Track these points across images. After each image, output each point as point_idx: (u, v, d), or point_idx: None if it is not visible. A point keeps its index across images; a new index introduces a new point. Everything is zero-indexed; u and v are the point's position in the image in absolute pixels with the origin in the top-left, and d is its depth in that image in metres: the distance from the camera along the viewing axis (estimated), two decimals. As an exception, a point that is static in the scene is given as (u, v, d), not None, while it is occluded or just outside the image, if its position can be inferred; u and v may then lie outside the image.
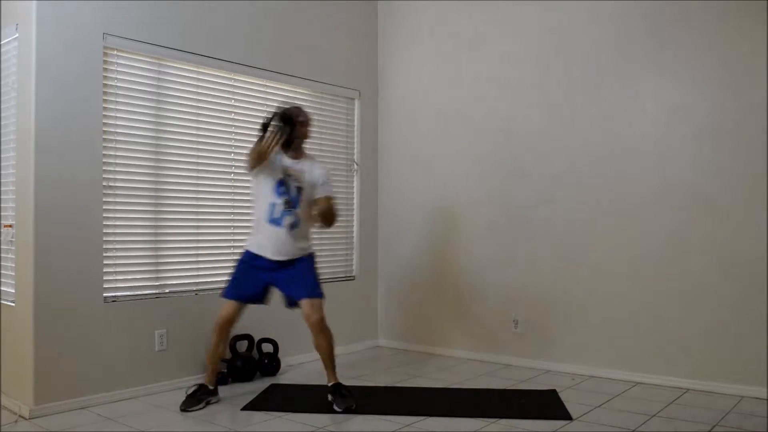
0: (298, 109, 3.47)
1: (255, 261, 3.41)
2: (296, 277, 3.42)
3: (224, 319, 3.41)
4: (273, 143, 3.23)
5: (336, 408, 3.27)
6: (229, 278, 3.49)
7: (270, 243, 3.38)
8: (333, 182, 3.56)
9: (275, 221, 3.38)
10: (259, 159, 3.28)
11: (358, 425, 3.10)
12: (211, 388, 3.44)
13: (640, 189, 3.85)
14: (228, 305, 3.42)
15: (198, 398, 3.35)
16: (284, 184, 3.38)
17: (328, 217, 3.44)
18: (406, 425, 3.05)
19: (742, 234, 3.52)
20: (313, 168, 3.46)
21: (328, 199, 3.45)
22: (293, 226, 3.39)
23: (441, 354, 4.66)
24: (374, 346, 5.02)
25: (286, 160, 3.42)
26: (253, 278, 3.42)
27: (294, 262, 3.43)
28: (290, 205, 3.38)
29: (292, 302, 3.48)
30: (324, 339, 3.37)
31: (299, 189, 3.40)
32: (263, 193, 3.40)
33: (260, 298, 3.50)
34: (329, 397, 3.35)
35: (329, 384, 3.39)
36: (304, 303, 3.37)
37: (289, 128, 3.31)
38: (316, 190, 3.43)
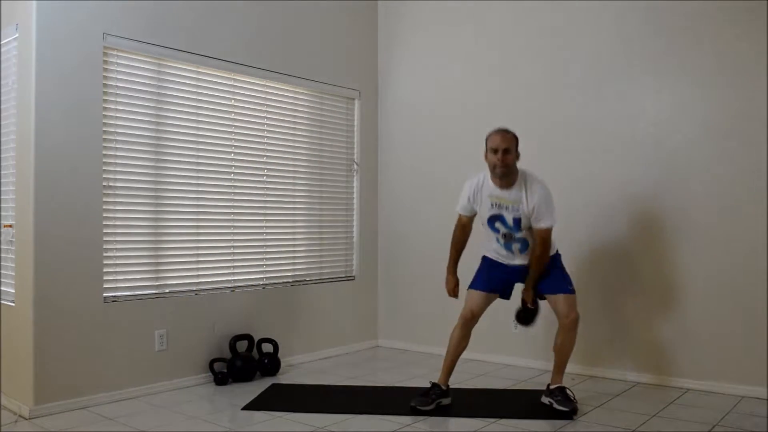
0: (497, 139, 3.20)
1: (494, 261, 3.39)
2: (545, 275, 3.29)
3: (472, 313, 3.32)
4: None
5: (560, 408, 3.14)
6: (476, 274, 3.43)
7: (504, 259, 3.36)
8: (552, 206, 3.20)
9: (503, 246, 3.33)
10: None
11: (358, 425, 3.10)
12: (444, 388, 3.33)
13: (639, 188, 3.85)
14: (474, 299, 3.34)
15: (431, 398, 3.27)
16: (498, 218, 3.25)
17: (543, 255, 3.23)
18: (406, 425, 3.05)
19: (742, 234, 3.52)
20: (530, 196, 3.16)
21: (546, 232, 3.18)
22: (522, 249, 3.30)
23: (441, 354, 4.62)
24: (374, 346, 5.02)
25: (496, 192, 3.22)
26: (499, 272, 3.36)
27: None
28: (510, 237, 3.27)
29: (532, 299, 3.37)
30: (571, 340, 3.24)
31: (516, 220, 3.20)
32: (482, 222, 3.33)
33: (506, 292, 3.42)
34: (546, 400, 3.25)
35: (554, 386, 3.25)
36: (559, 299, 3.24)
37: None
38: (532, 220, 3.18)
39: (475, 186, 3.31)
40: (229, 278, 4.11)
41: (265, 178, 4.32)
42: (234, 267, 4.14)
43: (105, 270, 3.47)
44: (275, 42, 4.36)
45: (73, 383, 3.31)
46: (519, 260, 3.35)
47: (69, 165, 3.32)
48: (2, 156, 3.50)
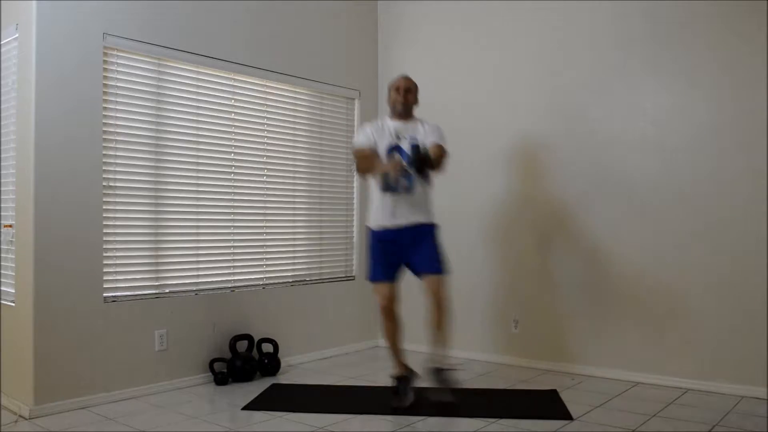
0: (400, 80, 3.47)
1: (382, 237, 3.36)
2: (420, 249, 3.33)
3: (386, 299, 3.33)
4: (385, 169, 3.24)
5: (445, 399, 3.18)
6: (369, 262, 3.45)
7: (386, 210, 3.31)
8: (445, 137, 3.42)
9: (391, 188, 3.31)
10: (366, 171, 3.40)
11: (358, 425, 3.10)
12: (407, 374, 3.38)
13: (639, 189, 3.85)
14: (380, 289, 3.35)
15: (404, 392, 3.30)
16: (395, 148, 3.34)
17: (438, 161, 3.26)
18: (406, 425, 3.05)
19: (742, 233, 3.52)
20: (425, 126, 3.43)
21: (439, 146, 3.30)
22: (409, 189, 3.31)
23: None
24: (374, 346, 5.02)
25: (395, 124, 3.41)
26: (390, 249, 3.36)
27: (417, 230, 3.33)
28: (405, 169, 3.26)
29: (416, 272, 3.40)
30: (444, 319, 3.25)
31: (415, 147, 3.23)
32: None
33: (405, 266, 3.42)
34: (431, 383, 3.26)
35: (434, 366, 3.25)
36: (431, 279, 3.28)
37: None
38: (427, 141, 3.33)
39: (375, 125, 3.48)
40: (229, 278, 4.11)
41: (265, 178, 4.32)
42: (234, 267, 4.14)
43: (105, 270, 3.47)
44: (275, 42, 4.36)
45: (73, 383, 3.31)
46: (405, 211, 3.31)
47: (69, 165, 3.32)
48: (2, 156, 3.50)
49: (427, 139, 3.35)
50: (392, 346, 3.42)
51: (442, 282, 3.29)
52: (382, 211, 3.35)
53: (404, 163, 3.25)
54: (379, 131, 3.41)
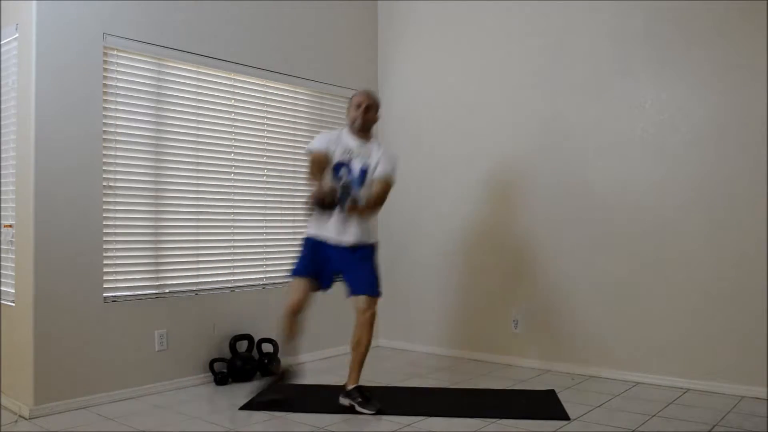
0: (362, 96, 3.36)
1: (314, 242, 3.34)
2: (358, 269, 3.32)
3: (293, 306, 3.29)
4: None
5: (364, 410, 3.20)
6: (296, 259, 3.41)
7: (330, 224, 3.28)
8: (395, 166, 3.39)
9: (322, 206, 3.22)
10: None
11: (358, 425, 3.10)
12: (292, 370, 3.42)
13: (639, 189, 3.85)
14: (295, 288, 3.31)
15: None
16: (345, 165, 3.28)
17: (375, 203, 3.31)
18: (406, 425, 3.05)
19: (742, 234, 3.52)
20: (381, 151, 3.35)
21: (385, 182, 3.31)
22: (344, 209, 3.24)
23: (441, 354, 4.66)
24: (374, 346, 4.99)
25: (352, 140, 3.33)
26: (321, 257, 3.32)
27: (357, 250, 3.31)
28: (348, 189, 3.25)
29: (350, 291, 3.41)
30: (368, 336, 3.29)
31: (363, 171, 3.28)
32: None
33: (327, 280, 3.40)
34: (346, 402, 3.27)
35: (351, 386, 3.29)
36: (360, 300, 3.29)
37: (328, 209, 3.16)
38: (376, 171, 3.30)
39: (332, 134, 3.38)
40: (229, 278, 4.11)
41: (265, 178, 4.32)
42: (234, 267, 4.14)
43: (105, 270, 3.47)
44: (275, 42, 4.36)
45: (73, 383, 3.31)
46: (341, 230, 3.28)
47: (69, 165, 3.32)
48: (2, 156, 3.50)
49: (378, 169, 3.31)
50: (287, 334, 3.36)
51: (373, 304, 3.32)
52: (327, 225, 3.30)
53: (349, 181, 3.27)
54: (335, 142, 3.31)
